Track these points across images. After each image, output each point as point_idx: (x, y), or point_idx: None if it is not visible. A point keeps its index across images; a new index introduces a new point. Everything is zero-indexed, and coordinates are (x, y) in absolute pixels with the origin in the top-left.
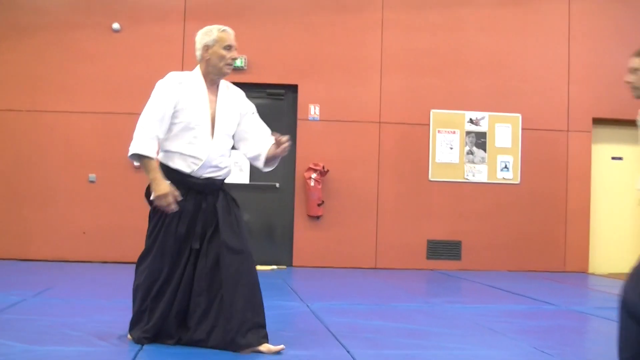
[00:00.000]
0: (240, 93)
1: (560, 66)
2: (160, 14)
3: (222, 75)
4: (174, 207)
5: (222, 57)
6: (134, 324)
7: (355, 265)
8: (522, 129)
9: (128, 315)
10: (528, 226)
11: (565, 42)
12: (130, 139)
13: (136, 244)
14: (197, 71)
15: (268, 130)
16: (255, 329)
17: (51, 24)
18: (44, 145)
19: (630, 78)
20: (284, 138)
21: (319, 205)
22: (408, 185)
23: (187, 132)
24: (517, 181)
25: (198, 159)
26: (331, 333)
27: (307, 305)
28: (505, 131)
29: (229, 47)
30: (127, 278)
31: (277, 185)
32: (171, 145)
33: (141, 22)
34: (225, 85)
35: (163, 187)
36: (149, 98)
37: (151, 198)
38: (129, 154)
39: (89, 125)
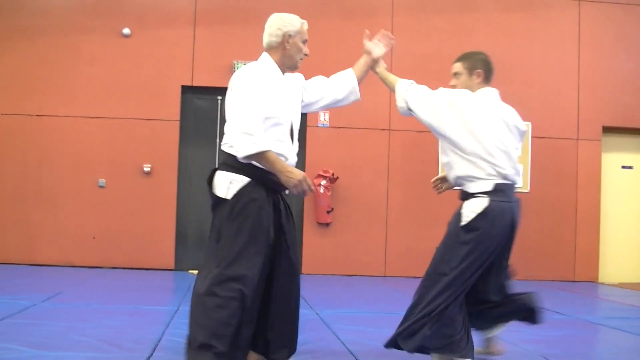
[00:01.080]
0: (299, 77)
1: (570, 74)
2: (169, 18)
3: (295, 69)
4: (313, 188)
5: (300, 50)
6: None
7: (364, 272)
8: (532, 137)
9: (138, 320)
10: (538, 235)
11: (575, 49)
12: (140, 143)
13: (145, 249)
14: (271, 61)
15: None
16: (289, 346)
17: (60, 27)
18: (53, 150)
19: (453, 82)
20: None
21: (328, 212)
22: (417, 193)
23: (276, 127)
24: (527, 189)
25: (285, 157)
26: (341, 341)
27: (317, 313)
28: None
29: (305, 42)
30: (136, 283)
31: (287, 192)
32: None
33: (150, 26)
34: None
35: (297, 171)
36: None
37: (291, 185)
38: (250, 153)
39: (98, 130)
